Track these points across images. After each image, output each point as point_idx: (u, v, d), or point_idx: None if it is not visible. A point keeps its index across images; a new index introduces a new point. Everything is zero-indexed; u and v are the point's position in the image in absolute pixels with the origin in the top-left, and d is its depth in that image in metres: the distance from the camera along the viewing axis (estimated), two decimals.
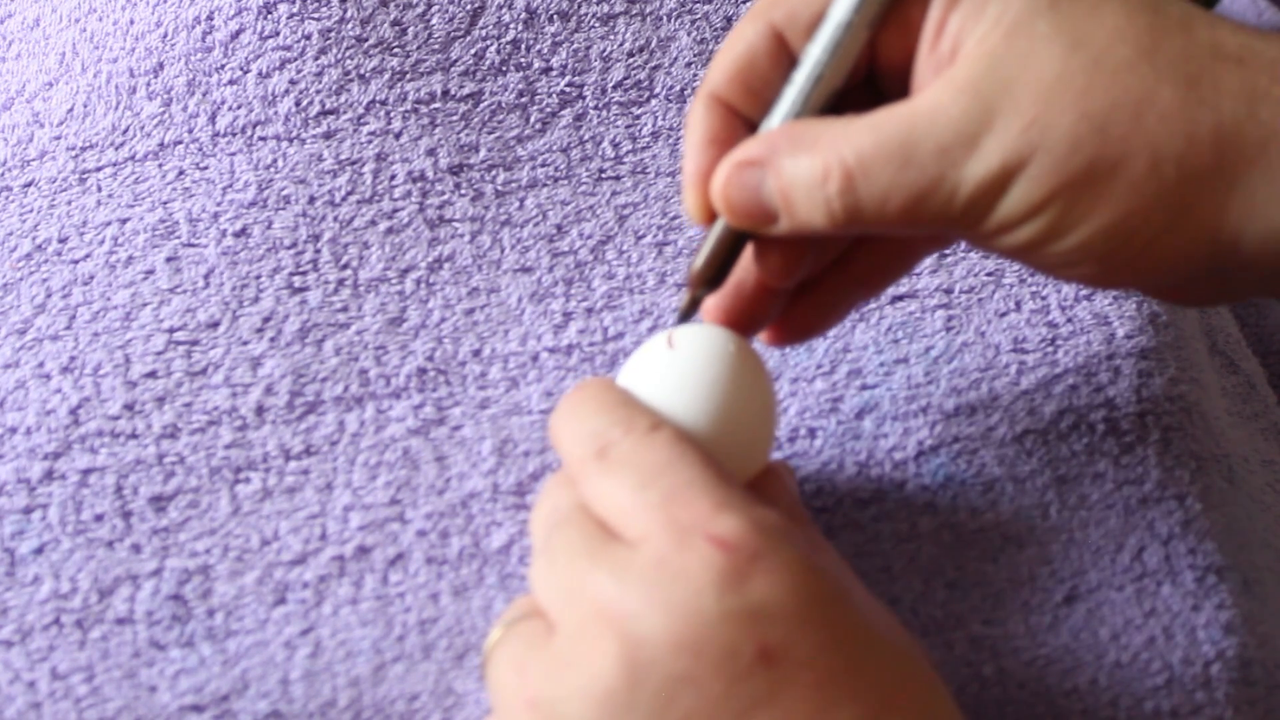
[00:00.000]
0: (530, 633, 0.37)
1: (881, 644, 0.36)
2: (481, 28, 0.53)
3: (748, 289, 0.42)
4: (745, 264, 0.42)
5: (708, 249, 0.41)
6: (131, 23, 0.52)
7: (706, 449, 0.38)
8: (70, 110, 0.51)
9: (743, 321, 0.42)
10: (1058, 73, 0.36)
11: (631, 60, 0.53)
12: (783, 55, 0.40)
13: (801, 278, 0.42)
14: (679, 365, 0.40)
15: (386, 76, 0.51)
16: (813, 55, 0.40)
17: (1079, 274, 0.38)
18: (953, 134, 0.36)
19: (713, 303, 0.42)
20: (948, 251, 0.50)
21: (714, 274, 0.41)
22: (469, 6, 0.53)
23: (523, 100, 0.52)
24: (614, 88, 0.53)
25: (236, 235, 0.48)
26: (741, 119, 0.41)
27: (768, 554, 0.35)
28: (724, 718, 0.34)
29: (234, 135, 0.50)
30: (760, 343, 0.44)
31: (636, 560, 0.35)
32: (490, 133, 0.51)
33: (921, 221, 0.37)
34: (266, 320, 0.47)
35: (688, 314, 0.42)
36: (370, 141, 0.50)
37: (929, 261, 0.50)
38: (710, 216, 0.41)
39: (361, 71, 0.51)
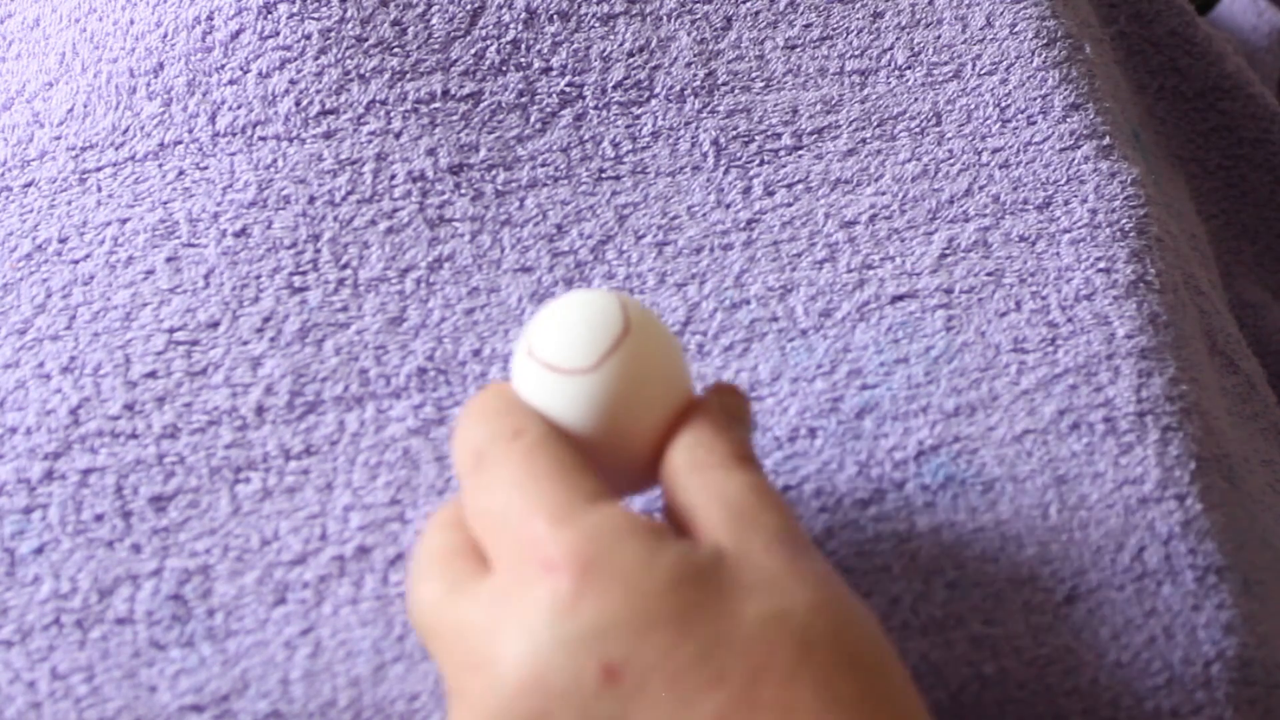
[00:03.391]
0: None
1: (741, 612, 0.35)
2: (481, 28, 0.53)
3: None
4: None
5: None
6: (131, 23, 0.52)
7: (604, 405, 0.38)
8: (70, 110, 0.51)
9: None
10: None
11: (631, 60, 0.53)
12: None
13: None
14: (570, 330, 0.40)
15: (386, 76, 0.51)
16: None
17: None
18: None
19: None
20: (948, 251, 0.50)
21: None
22: (469, 6, 0.53)
23: (523, 100, 0.52)
24: (614, 88, 0.53)
25: (236, 235, 0.48)
26: None
27: (599, 563, 0.35)
28: None
29: (234, 135, 0.50)
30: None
31: (483, 593, 0.36)
32: (490, 132, 0.51)
33: None
34: (266, 320, 0.47)
35: None
36: (370, 141, 0.50)
37: (929, 261, 0.50)
38: None
39: (361, 71, 0.51)
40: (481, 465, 0.38)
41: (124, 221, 0.48)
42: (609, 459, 0.39)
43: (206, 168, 0.49)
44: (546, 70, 0.53)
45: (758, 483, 0.38)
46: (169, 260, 0.47)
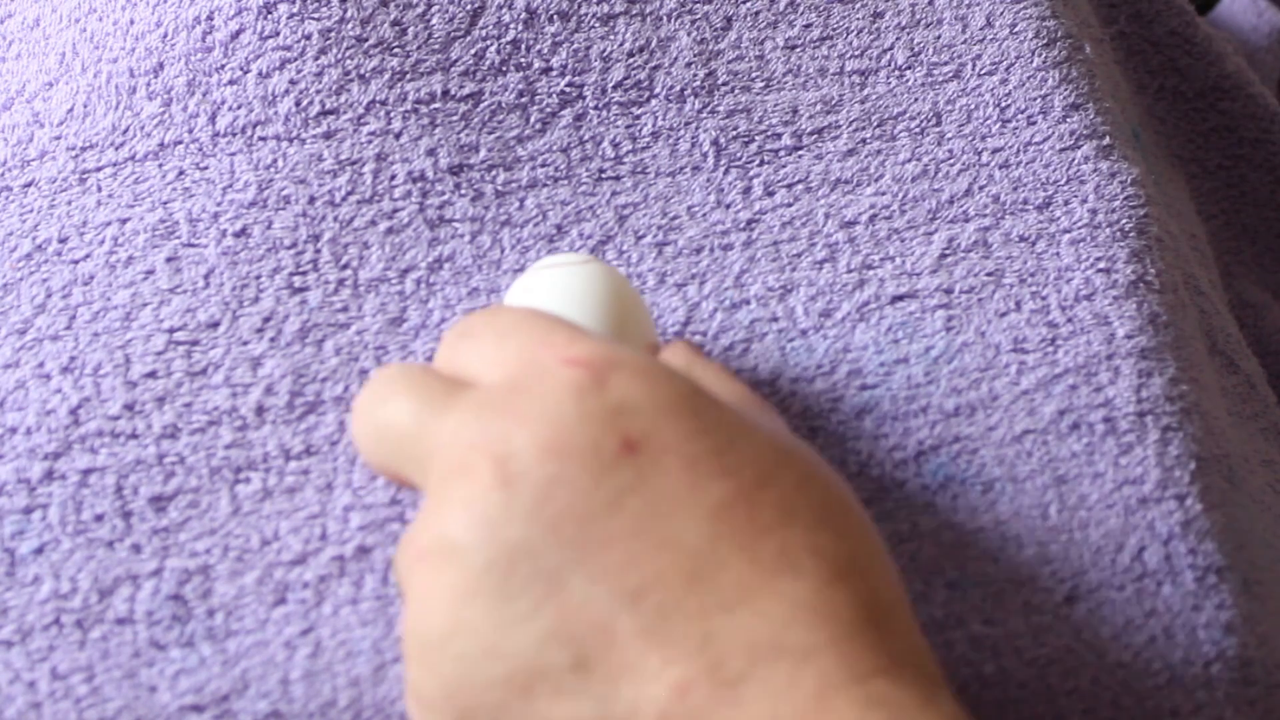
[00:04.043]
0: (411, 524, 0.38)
1: (755, 432, 0.37)
2: (481, 28, 0.53)
3: None
4: None
5: None
6: (131, 23, 0.52)
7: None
8: (70, 110, 0.51)
9: None
10: None
11: (631, 60, 0.53)
12: None
13: None
14: (554, 293, 0.43)
15: (386, 76, 0.51)
16: None
17: None
18: None
19: None
20: (948, 251, 0.50)
21: None
22: (469, 7, 0.53)
23: (523, 100, 0.52)
24: (614, 88, 0.53)
25: (236, 235, 0.48)
26: None
27: (625, 362, 0.36)
28: (596, 508, 0.35)
29: (234, 135, 0.50)
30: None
31: (489, 392, 0.37)
32: (490, 133, 0.51)
33: None
34: (266, 320, 0.47)
35: None
36: (370, 141, 0.50)
37: (929, 261, 0.50)
38: None
39: (361, 71, 0.51)
40: (471, 332, 0.39)
41: (124, 221, 0.48)
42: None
43: (206, 168, 0.49)
44: (546, 70, 0.53)
45: (752, 393, 0.41)
46: (169, 260, 0.47)
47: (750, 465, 0.36)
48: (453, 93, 0.52)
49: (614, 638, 0.34)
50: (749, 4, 0.55)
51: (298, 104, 0.50)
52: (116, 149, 0.50)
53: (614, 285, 0.44)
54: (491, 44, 0.53)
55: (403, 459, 0.39)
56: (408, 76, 0.51)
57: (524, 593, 0.35)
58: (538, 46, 0.53)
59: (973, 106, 0.54)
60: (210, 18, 0.51)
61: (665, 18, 0.54)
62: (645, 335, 0.44)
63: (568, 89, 0.52)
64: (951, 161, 0.52)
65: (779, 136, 0.53)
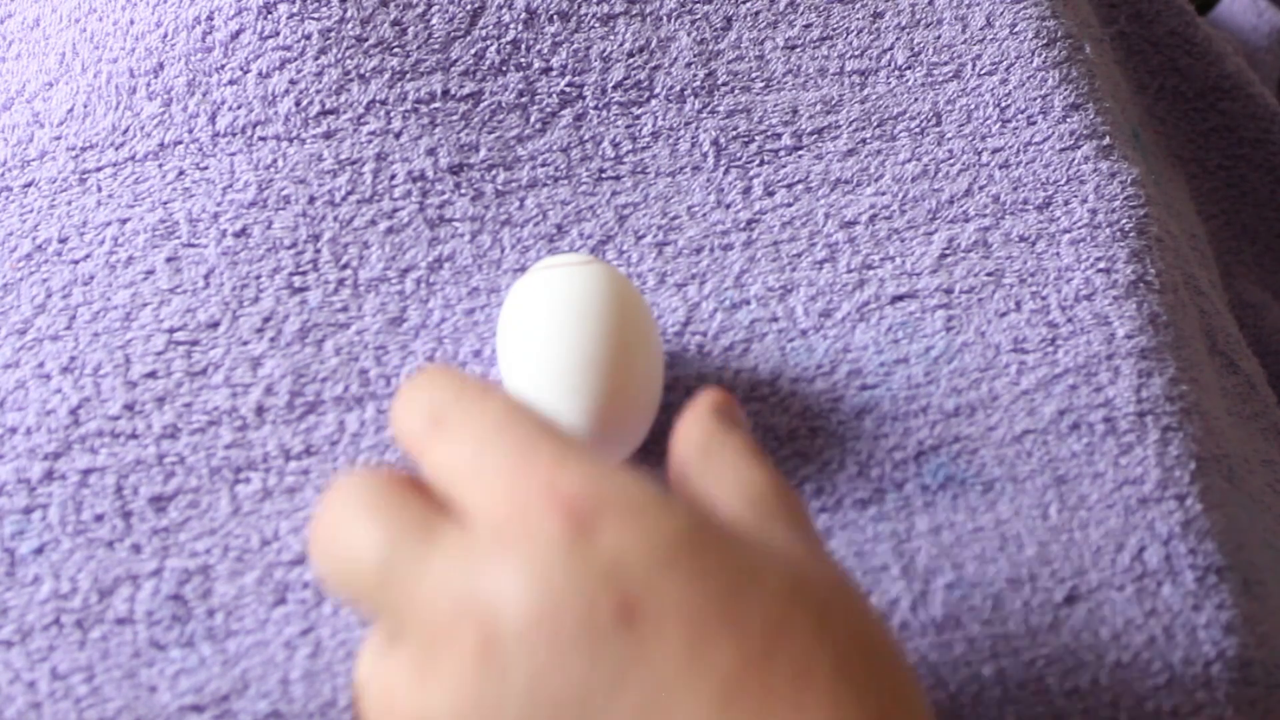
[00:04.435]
0: (379, 647, 0.34)
1: (764, 571, 0.33)
2: (481, 28, 0.53)
3: None
4: None
5: None
6: (131, 23, 0.52)
7: (590, 360, 0.39)
8: (70, 110, 0.51)
9: None
10: None
11: (631, 60, 0.53)
12: None
13: None
14: (545, 295, 0.42)
15: (386, 76, 0.51)
16: None
17: None
18: None
19: None
20: (948, 251, 0.50)
21: None
22: (469, 7, 0.53)
23: (523, 100, 0.52)
24: (614, 88, 0.53)
25: (236, 235, 0.48)
26: None
27: (614, 501, 0.32)
28: (594, 689, 0.31)
29: (234, 135, 0.50)
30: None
31: (474, 539, 0.33)
32: (490, 132, 0.51)
33: None
34: (266, 320, 0.47)
35: None
36: (370, 141, 0.50)
37: (929, 261, 0.50)
38: None
39: (361, 71, 0.51)
40: (444, 425, 0.35)
41: (124, 221, 0.48)
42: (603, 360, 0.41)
43: (206, 168, 0.49)
44: (546, 70, 0.53)
45: (777, 480, 0.37)
46: (169, 260, 0.47)
47: (759, 616, 0.32)
48: (453, 92, 0.52)
49: None
50: (749, 4, 0.55)
51: (298, 104, 0.50)
52: (116, 149, 0.50)
53: (616, 286, 0.44)
54: (491, 44, 0.53)
55: (371, 599, 0.34)
56: (408, 76, 0.51)
57: None
58: (538, 46, 0.53)
59: (973, 106, 0.54)
60: (210, 18, 0.51)
61: (665, 18, 0.54)
62: (648, 337, 0.44)
63: (568, 89, 0.52)
64: (951, 161, 0.52)
65: (779, 136, 0.53)
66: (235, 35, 0.51)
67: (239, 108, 0.50)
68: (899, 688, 0.33)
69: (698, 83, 0.53)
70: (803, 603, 0.33)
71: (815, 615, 0.33)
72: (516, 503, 0.33)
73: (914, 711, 0.33)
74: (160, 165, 0.50)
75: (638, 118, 0.52)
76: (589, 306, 0.42)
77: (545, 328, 0.42)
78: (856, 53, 0.55)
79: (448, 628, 0.32)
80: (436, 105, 0.51)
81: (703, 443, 0.38)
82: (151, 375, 0.45)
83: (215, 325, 0.46)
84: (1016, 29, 0.56)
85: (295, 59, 0.51)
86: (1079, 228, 0.51)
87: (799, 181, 0.51)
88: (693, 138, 0.52)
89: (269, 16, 0.51)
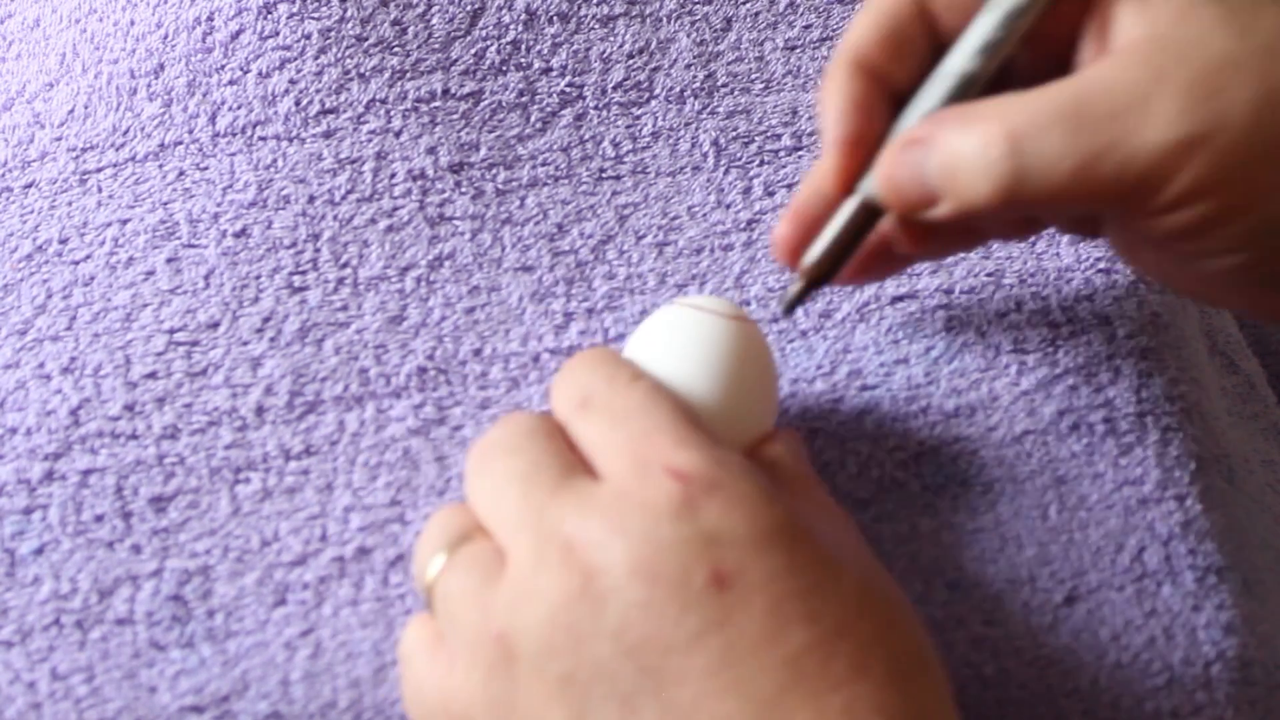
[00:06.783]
0: (482, 559, 0.38)
1: (842, 576, 0.36)
2: (481, 28, 0.53)
3: (827, 190, 0.42)
4: (825, 170, 0.42)
5: (831, 237, 0.42)
6: (132, 23, 0.52)
7: (703, 415, 0.40)
8: (71, 111, 0.51)
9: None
10: (1231, 54, 0.36)
11: (631, 61, 0.53)
12: (927, 25, 0.41)
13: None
14: (682, 335, 0.42)
15: (386, 75, 0.51)
16: (979, 32, 0.40)
17: (1232, 264, 0.38)
18: (1126, 100, 0.36)
19: (786, 234, 0.43)
20: None
21: (833, 264, 0.42)
22: (469, 7, 0.53)
23: (523, 100, 0.52)
24: (614, 88, 0.53)
25: (236, 235, 0.48)
26: (884, 86, 0.41)
27: (724, 484, 0.36)
28: (678, 640, 0.35)
29: (234, 135, 0.50)
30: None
31: (599, 493, 0.37)
32: (491, 131, 0.51)
33: (1090, 190, 0.37)
34: (266, 320, 0.47)
35: (795, 304, 0.44)
36: (370, 140, 0.50)
37: (928, 262, 0.50)
38: (849, 186, 0.41)
39: (361, 71, 0.51)
40: (591, 405, 0.39)
41: (124, 222, 0.48)
42: (722, 420, 0.41)
43: (206, 168, 0.49)
44: (547, 70, 0.53)
45: (837, 507, 0.41)
46: (169, 261, 0.47)
47: (832, 612, 0.35)
48: (453, 91, 0.52)
49: None
50: (749, 5, 0.55)
51: (298, 104, 0.50)
52: (117, 150, 0.50)
53: (753, 351, 0.42)
54: (491, 44, 0.53)
55: (505, 520, 0.38)
56: (408, 75, 0.51)
57: (598, 712, 0.35)
58: (538, 47, 0.53)
59: None
60: (210, 18, 0.51)
61: (665, 19, 0.54)
62: (766, 409, 0.43)
63: (568, 89, 0.52)
64: None
65: (779, 137, 0.53)
66: (235, 35, 0.51)
67: (239, 108, 0.50)
68: (939, 701, 0.37)
69: (698, 83, 0.53)
70: (870, 608, 0.36)
71: (878, 621, 0.36)
72: (638, 471, 0.37)
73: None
74: (160, 166, 0.50)
75: (638, 118, 0.52)
76: (717, 367, 0.41)
77: (671, 375, 0.41)
78: None
79: (554, 561, 0.36)
80: (437, 104, 0.51)
81: (781, 465, 0.41)
82: (151, 376, 0.45)
83: (215, 325, 0.46)
84: None
85: (295, 59, 0.51)
86: None
87: (799, 182, 0.51)
88: (693, 138, 0.52)
89: (269, 16, 0.51)
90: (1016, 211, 0.40)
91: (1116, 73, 0.37)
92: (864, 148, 0.41)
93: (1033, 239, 0.50)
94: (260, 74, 0.50)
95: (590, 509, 0.36)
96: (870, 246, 0.44)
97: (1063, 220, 0.44)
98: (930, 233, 0.43)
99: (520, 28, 0.53)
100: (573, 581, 0.35)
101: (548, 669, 0.35)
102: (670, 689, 0.34)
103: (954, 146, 0.38)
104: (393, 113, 0.51)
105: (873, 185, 0.41)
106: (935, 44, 0.41)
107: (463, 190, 0.50)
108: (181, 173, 0.49)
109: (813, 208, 0.42)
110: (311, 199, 0.49)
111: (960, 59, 0.40)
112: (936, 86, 0.40)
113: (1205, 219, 0.37)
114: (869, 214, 0.42)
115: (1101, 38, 0.38)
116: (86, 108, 0.51)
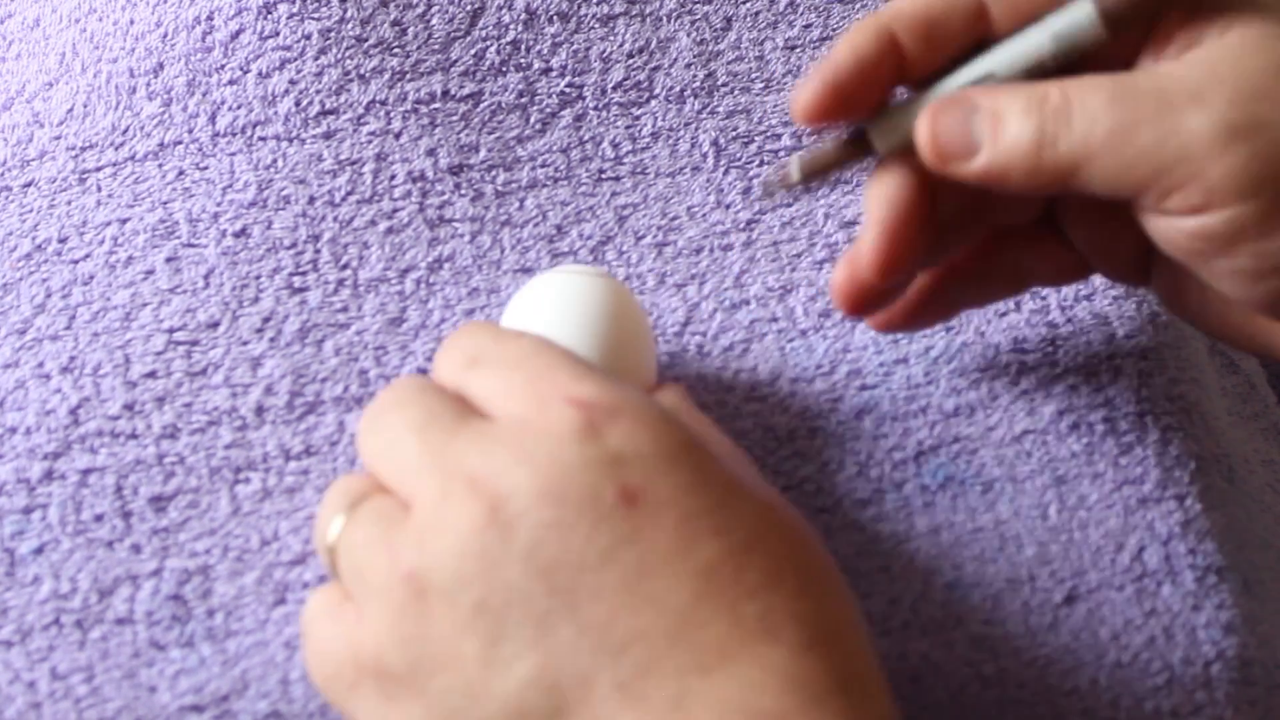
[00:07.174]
0: (385, 510, 0.37)
1: (746, 493, 0.37)
2: (481, 28, 0.53)
3: (863, 274, 0.43)
4: (864, 253, 0.42)
5: (824, 152, 0.43)
6: (131, 23, 0.52)
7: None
8: (70, 110, 0.51)
9: (859, 305, 0.44)
10: None
11: (631, 61, 0.53)
12: (979, 23, 0.41)
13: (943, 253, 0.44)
14: (554, 296, 0.43)
15: (386, 76, 0.51)
16: (1023, 49, 0.40)
17: (1267, 290, 0.38)
18: (1177, 88, 0.37)
19: (841, 282, 0.44)
20: None
21: (814, 174, 0.43)
22: (469, 7, 0.53)
23: (523, 101, 0.52)
24: (614, 88, 0.53)
25: (236, 235, 0.48)
26: (898, 60, 0.41)
27: (626, 409, 0.37)
28: (590, 558, 0.35)
29: (234, 135, 0.50)
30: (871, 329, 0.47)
31: (497, 426, 0.37)
32: (490, 133, 0.51)
33: (1128, 157, 0.37)
34: (266, 320, 0.47)
35: (769, 194, 0.44)
36: (370, 141, 0.50)
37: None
38: (815, 119, 0.41)
39: (361, 71, 0.51)
40: (481, 360, 0.39)
41: (124, 221, 0.48)
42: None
43: (206, 168, 0.49)
44: (546, 71, 0.53)
45: (735, 446, 0.41)
46: (169, 260, 0.47)
47: (742, 525, 0.36)
48: (453, 93, 0.52)
49: (592, 691, 0.34)
50: (749, 4, 0.55)
51: (298, 104, 0.50)
52: (116, 149, 0.50)
53: (620, 302, 0.43)
54: (491, 44, 0.53)
55: (403, 469, 0.38)
56: (408, 76, 0.51)
57: (513, 636, 0.35)
58: (538, 47, 0.53)
59: None
60: (210, 18, 0.51)
61: (665, 19, 0.54)
62: (645, 358, 0.44)
63: (568, 89, 0.52)
64: None
65: (779, 137, 0.53)
66: (235, 35, 0.51)
67: (239, 108, 0.50)
68: (852, 614, 0.37)
69: (697, 83, 0.53)
70: (778, 526, 0.37)
71: (787, 536, 0.37)
72: (538, 405, 0.37)
73: (859, 633, 0.37)
74: (160, 165, 0.50)
75: (638, 118, 0.52)
76: (590, 320, 0.42)
77: (549, 336, 0.42)
78: None
79: (460, 495, 0.36)
80: (436, 105, 0.51)
81: (675, 409, 0.41)
82: (151, 375, 0.45)
83: (215, 325, 0.46)
84: None
85: (295, 59, 0.51)
86: None
87: None
88: (692, 138, 0.52)
89: (269, 16, 0.51)
90: (1048, 180, 0.39)
91: (1171, 69, 0.38)
92: (866, 86, 0.41)
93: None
94: (260, 74, 0.50)
95: (492, 442, 0.36)
96: (919, 293, 0.45)
97: (1109, 262, 0.44)
98: (981, 276, 0.45)
99: (520, 28, 0.53)
100: (480, 510, 0.35)
101: (460, 599, 0.35)
102: (585, 607, 0.35)
103: (1003, 100, 0.39)
104: (392, 114, 0.51)
105: (888, 135, 0.42)
106: (974, 40, 0.41)
107: (462, 192, 0.50)
108: (181, 172, 0.49)
109: (840, 73, 0.42)
110: (312, 200, 0.49)
111: (995, 66, 0.40)
112: (963, 77, 0.41)
113: (1241, 225, 0.37)
114: (858, 145, 0.42)
115: (1159, 53, 0.39)
116: (86, 107, 0.51)
